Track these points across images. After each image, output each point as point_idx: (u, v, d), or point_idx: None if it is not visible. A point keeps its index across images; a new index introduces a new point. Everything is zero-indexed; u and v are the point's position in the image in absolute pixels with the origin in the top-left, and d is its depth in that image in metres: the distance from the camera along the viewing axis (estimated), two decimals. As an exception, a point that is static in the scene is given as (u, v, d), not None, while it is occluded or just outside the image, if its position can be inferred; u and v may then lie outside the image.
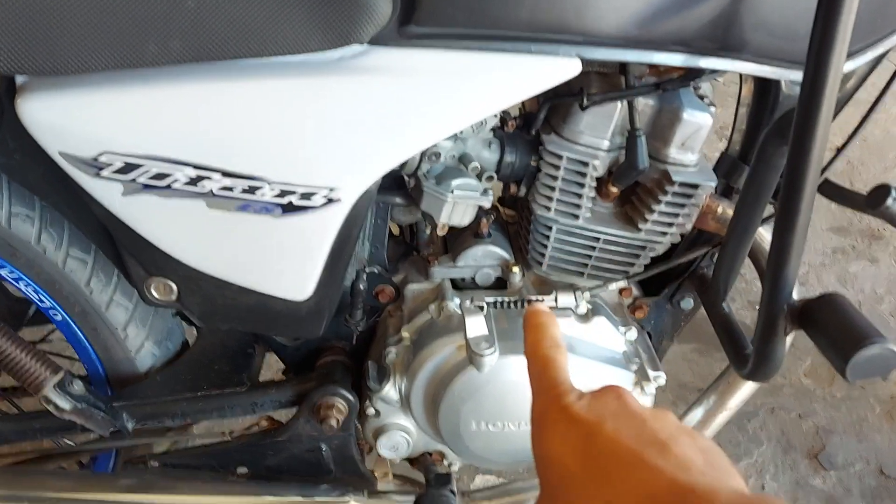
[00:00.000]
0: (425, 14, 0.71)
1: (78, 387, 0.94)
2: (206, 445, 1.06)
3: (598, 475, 0.45)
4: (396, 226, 1.14)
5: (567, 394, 0.51)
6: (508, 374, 0.93)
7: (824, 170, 0.86)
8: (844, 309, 0.74)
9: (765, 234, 0.97)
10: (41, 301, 0.97)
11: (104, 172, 0.74)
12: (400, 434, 1.05)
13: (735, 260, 0.90)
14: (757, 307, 0.79)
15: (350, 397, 1.01)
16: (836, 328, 0.73)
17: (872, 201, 0.77)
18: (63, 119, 0.71)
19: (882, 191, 0.76)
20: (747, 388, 1.08)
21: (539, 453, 0.50)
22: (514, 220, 1.14)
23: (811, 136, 0.66)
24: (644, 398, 1.01)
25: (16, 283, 0.95)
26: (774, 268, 0.74)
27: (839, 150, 0.86)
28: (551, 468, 0.48)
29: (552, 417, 0.51)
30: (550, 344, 0.56)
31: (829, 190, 0.91)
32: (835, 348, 0.72)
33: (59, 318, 1.00)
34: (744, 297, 2.25)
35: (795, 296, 0.79)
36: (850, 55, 0.81)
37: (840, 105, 0.94)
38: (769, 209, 0.88)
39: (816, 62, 0.64)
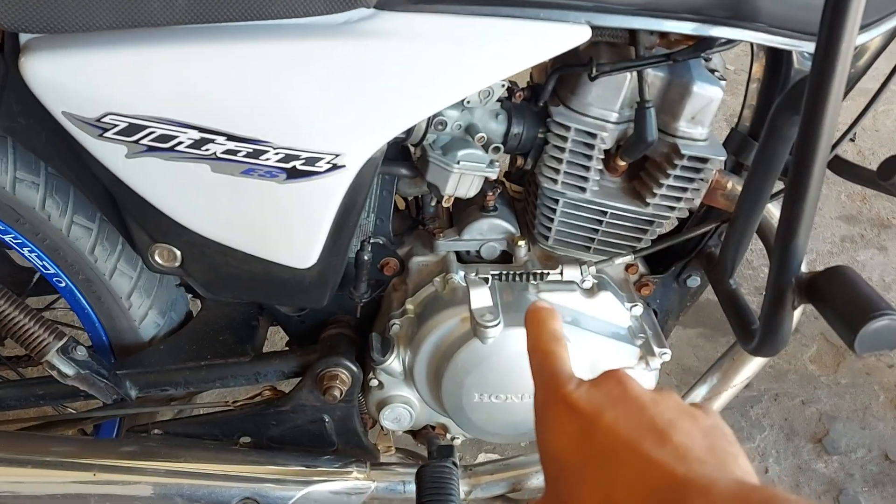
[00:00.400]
0: (433, -23, 0.70)
1: (81, 353, 0.94)
2: (208, 414, 1.06)
3: (596, 468, 0.45)
4: (402, 200, 1.13)
5: (566, 384, 0.51)
6: (512, 345, 0.92)
7: (836, 144, 0.85)
8: (853, 281, 0.73)
9: (773, 211, 0.96)
10: (45, 268, 0.97)
11: (108, 134, 0.74)
12: (403, 406, 1.05)
13: (743, 236, 0.89)
14: (763, 293, 0.78)
15: (353, 368, 1.01)
16: (844, 300, 0.72)
17: (883, 174, 0.76)
18: (67, 78, 0.71)
19: (892, 163, 0.75)
20: (752, 365, 1.07)
21: (541, 447, 0.50)
22: (520, 196, 1.13)
23: (823, 105, 0.65)
24: (649, 373, 1.00)
25: (20, 250, 0.95)
26: (783, 240, 0.73)
27: (852, 125, 0.85)
28: (553, 461, 0.48)
29: (552, 410, 0.50)
30: (550, 337, 0.55)
31: (840, 166, 0.90)
32: (843, 321, 0.72)
33: (63, 285, 1.00)
34: (750, 283, 2.24)
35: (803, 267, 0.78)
36: (864, 27, 0.80)
37: (853, 81, 0.93)
38: (778, 185, 0.87)
39: (829, 31, 0.63)
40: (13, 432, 1.07)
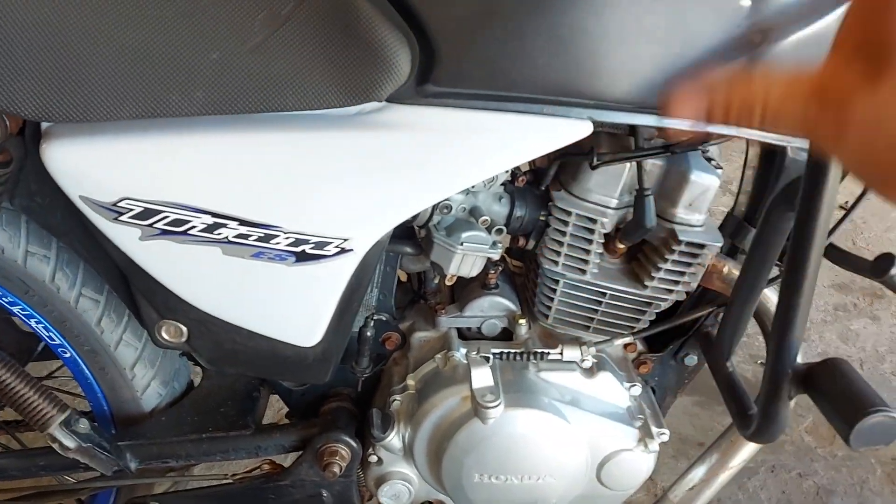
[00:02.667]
0: (443, 74, 0.73)
1: (84, 426, 0.94)
2: (207, 487, 1.06)
3: None
4: (403, 273, 1.15)
5: None
6: (513, 427, 0.93)
7: (830, 233, 0.88)
8: (848, 375, 0.75)
9: (770, 295, 0.98)
10: (51, 338, 0.98)
11: (123, 217, 0.76)
12: (402, 483, 1.05)
13: (740, 320, 0.91)
14: (758, 361, 0.79)
15: (353, 444, 1.01)
16: (839, 395, 0.74)
17: (877, 270, 0.78)
18: (85, 165, 0.73)
19: (887, 260, 0.77)
20: (750, 448, 1.08)
21: None
22: (520, 270, 1.15)
23: (817, 206, 0.67)
24: (647, 455, 1.01)
25: (27, 321, 0.96)
26: (780, 333, 0.74)
27: (844, 215, 0.87)
28: None
29: None
30: None
31: (834, 255, 0.93)
32: (838, 415, 0.73)
33: (67, 355, 1.00)
34: (745, 350, 2.25)
35: (799, 357, 0.80)
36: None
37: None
38: (774, 271, 0.89)
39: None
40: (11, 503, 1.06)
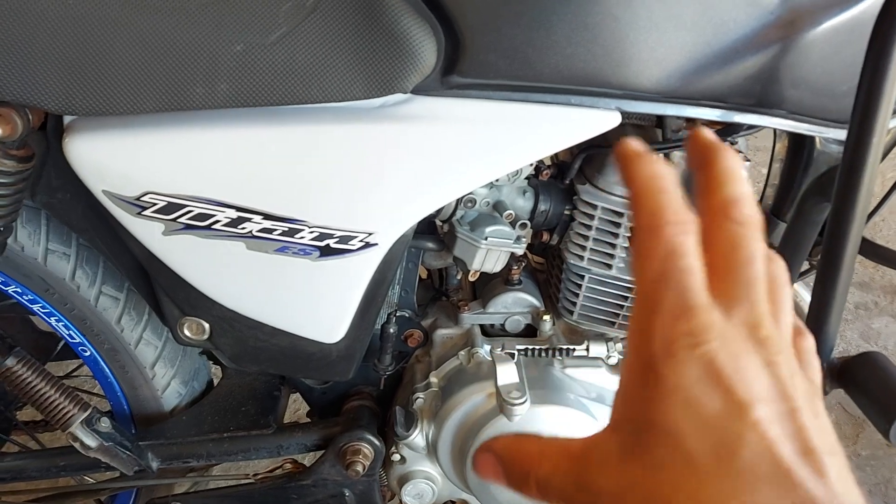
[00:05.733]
0: (469, 65, 0.72)
1: (105, 424, 0.94)
2: (229, 487, 1.05)
3: (728, 476, 0.31)
4: (425, 270, 1.14)
5: (708, 335, 0.33)
6: (539, 424, 0.92)
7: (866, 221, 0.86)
8: (886, 369, 0.73)
9: (799, 291, 0.96)
10: (71, 337, 0.98)
11: (147, 212, 0.75)
12: (425, 482, 1.04)
13: (770, 315, 0.89)
14: None
15: (376, 442, 1.00)
16: (878, 388, 0.72)
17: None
18: (109, 159, 0.72)
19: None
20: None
21: (638, 407, 0.35)
22: (542, 267, 1.14)
23: (855, 195, 0.66)
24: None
25: (47, 319, 0.95)
26: (814, 325, 0.73)
27: (882, 201, 0.86)
28: (660, 437, 0.33)
29: (672, 362, 0.33)
30: (680, 219, 0.37)
31: (865, 247, 0.91)
32: (877, 409, 0.71)
33: (87, 354, 1.00)
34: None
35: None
36: (896, 112, 0.82)
37: (881, 157, 0.94)
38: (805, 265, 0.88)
39: (861, 121, 0.65)
40: (30, 504, 1.06)
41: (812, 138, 0.91)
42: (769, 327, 0.36)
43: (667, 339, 0.34)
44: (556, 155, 1.02)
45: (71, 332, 0.97)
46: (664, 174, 0.38)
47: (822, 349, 0.74)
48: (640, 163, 0.39)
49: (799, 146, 0.93)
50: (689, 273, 0.35)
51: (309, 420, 1.12)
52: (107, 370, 1.02)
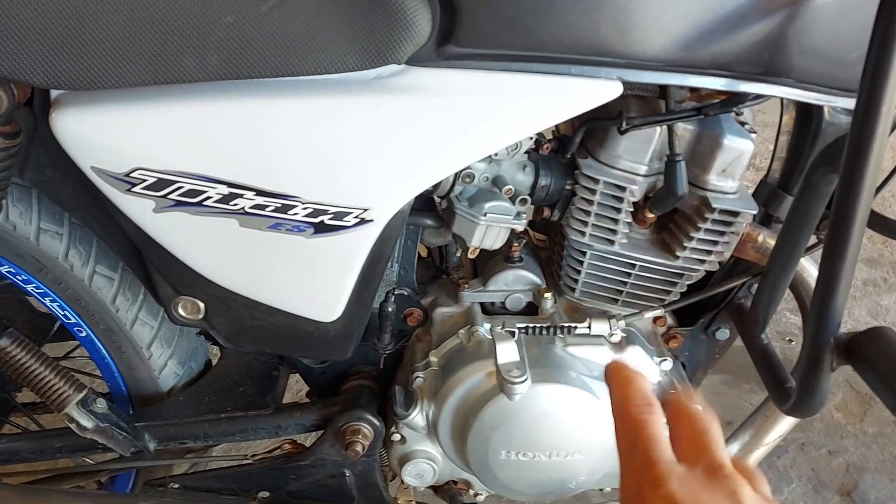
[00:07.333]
0: (465, 34, 0.70)
1: (101, 405, 0.93)
2: (227, 468, 1.04)
3: None
4: (424, 248, 1.12)
5: (667, 479, 0.43)
6: (540, 402, 0.90)
7: (875, 193, 0.84)
8: (894, 344, 0.71)
9: (806, 266, 0.94)
10: (66, 317, 0.96)
11: (136, 188, 0.73)
12: (426, 462, 1.02)
13: (776, 290, 0.87)
14: (786, 338, 0.76)
15: (376, 422, 0.99)
16: (886, 364, 0.70)
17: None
18: (97, 134, 0.70)
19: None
20: (785, 424, 1.05)
21: None
22: (543, 244, 1.12)
23: (863, 166, 0.64)
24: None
25: (41, 299, 0.94)
26: (821, 299, 0.71)
27: (888, 178, 0.83)
28: None
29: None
30: (642, 403, 0.48)
31: (873, 220, 0.89)
32: (887, 386, 0.69)
33: (83, 334, 0.99)
34: (772, 327, 2.20)
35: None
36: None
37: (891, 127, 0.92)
38: (812, 239, 0.86)
39: (870, 88, 0.62)
40: (26, 486, 1.05)
41: (820, 108, 0.88)
42: (730, 468, 0.44)
43: (637, 489, 0.44)
44: (556, 128, 1.00)
45: (66, 312, 0.96)
46: (641, 383, 0.50)
47: (829, 324, 0.72)
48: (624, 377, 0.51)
49: (807, 116, 0.91)
50: (653, 439, 0.46)
51: (308, 400, 1.11)
52: (103, 351, 1.01)
